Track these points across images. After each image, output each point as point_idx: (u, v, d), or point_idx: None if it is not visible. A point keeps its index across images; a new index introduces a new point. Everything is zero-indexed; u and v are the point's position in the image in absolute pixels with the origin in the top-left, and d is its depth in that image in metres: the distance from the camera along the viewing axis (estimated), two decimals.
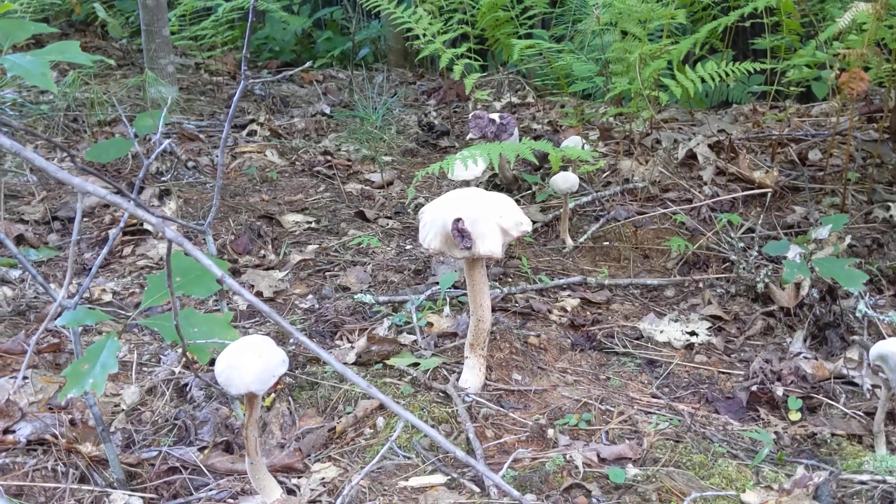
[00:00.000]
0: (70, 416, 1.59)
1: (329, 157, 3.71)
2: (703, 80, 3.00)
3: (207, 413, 1.64)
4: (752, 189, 2.64)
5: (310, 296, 2.39)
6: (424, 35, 3.56)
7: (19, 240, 2.79)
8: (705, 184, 2.74)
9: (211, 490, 1.46)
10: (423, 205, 3.06)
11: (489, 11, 4.09)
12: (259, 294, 2.35)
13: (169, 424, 1.65)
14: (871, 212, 2.52)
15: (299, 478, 1.49)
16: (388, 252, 2.64)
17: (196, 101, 4.85)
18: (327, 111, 4.56)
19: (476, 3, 4.35)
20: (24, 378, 1.73)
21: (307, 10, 7.34)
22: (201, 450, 1.55)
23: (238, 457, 1.53)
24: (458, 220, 1.62)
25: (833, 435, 1.68)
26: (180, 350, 1.94)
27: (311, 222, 2.96)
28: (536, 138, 3.31)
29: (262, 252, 2.69)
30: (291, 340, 2.05)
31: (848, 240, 2.28)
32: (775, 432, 1.69)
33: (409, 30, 3.72)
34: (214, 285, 1.40)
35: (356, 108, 4.66)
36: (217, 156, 3.77)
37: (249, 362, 1.25)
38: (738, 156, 2.80)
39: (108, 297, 2.32)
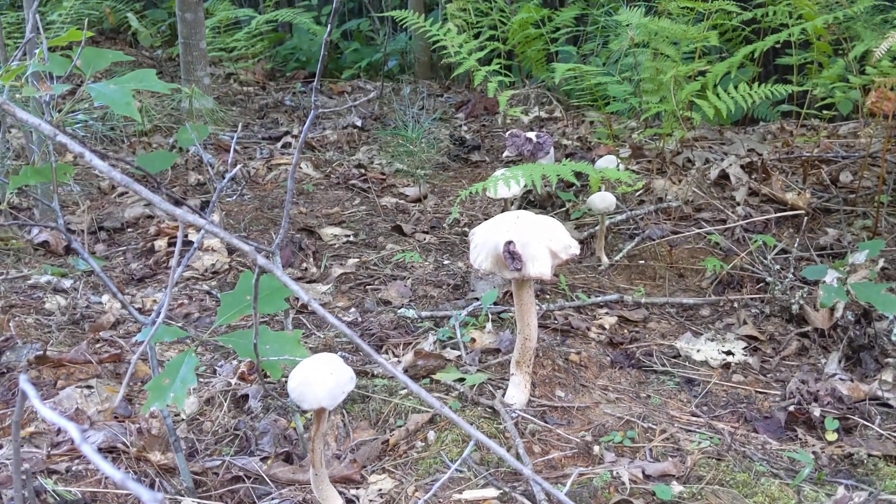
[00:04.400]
0: (137, 426, 1.66)
1: (363, 171, 3.79)
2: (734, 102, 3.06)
3: (267, 424, 1.71)
4: (785, 210, 2.69)
5: (352, 309, 2.46)
6: (458, 53, 3.63)
7: (67, 250, 2.88)
8: (738, 204, 2.80)
9: (273, 499, 1.53)
10: (459, 220, 3.13)
11: (520, 29, 4.17)
12: (304, 308, 2.43)
13: (230, 435, 1.72)
14: None
15: (357, 489, 1.56)
16: (426, 267, 2.71)
17: (229, 111, 4.95)
18: (359, 124, 4.64)
19: (506, 20, 4.43)
20: (90, 387, 1.80)
21: (335, 22, 7.42)
22: (263, 460, 1.62)
23: (298, 467, 1.60)
24: (510, 242, 1.68)
25: (869, 455, 1.73)
26: (236, 362, 2.01)
27: (349, 235, 3.03)
28: (568, 156, 3.38)
29: (304, 265, 2.77)
30: (339, 352, 2.12)
31: (881, 262, 2.33)
32: (813, 452, 1.75)
33: (437, 42, 3.80)
34: (283, 304, 1.46)
35: (387, 121, 4.75)
36: (253, 167, 3.86)
37: (322, 379, 1.32)
38: (770, 177, 2.86)
39: (153, 307, 2.40)
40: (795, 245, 2.50)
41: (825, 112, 3.23)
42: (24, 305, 2.38)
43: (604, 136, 3.46)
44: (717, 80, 2.88)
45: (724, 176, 2.99)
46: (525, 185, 2.50)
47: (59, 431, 1.68)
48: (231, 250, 2.86)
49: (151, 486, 1.52)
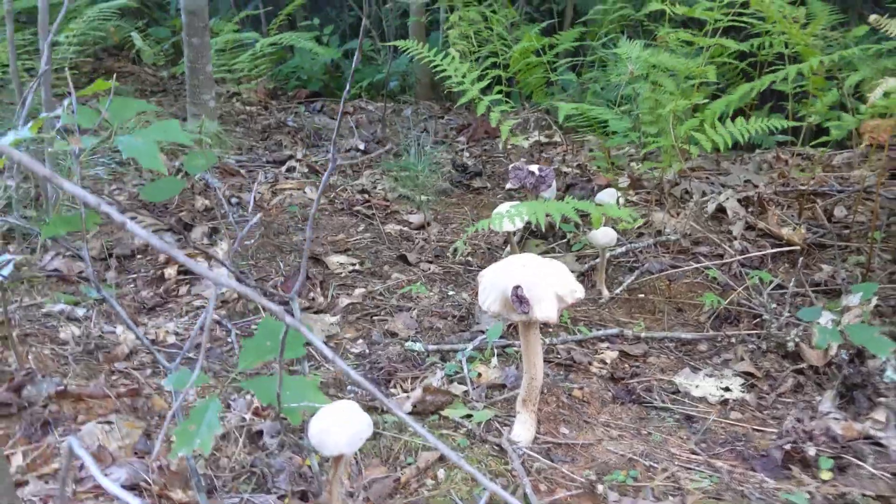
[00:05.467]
0: (158, 463, 1.72)
1: (367, 196, 3.85)
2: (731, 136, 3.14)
3: (282, 462, 1.77)
4: (781, 245, 2.77)
5: (360, 340, 2.52)
6: (461, 83, 3.71)
7: (80, 277, 2.93)
8: (735, 238, 2.87)
9: None
10: (459, 249, 3.19)
11: (521, 57, 4.25)
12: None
13: (246, 472, 1.78)
14: (895, 271, 2.63)
15: None
16: (431, 297, 2.77)
17: (232, 133, 5.01)
18: (362, 147, 4.71)
19: (507, 46, 4.51)
20: (110, 423, 1.86)
21: (336, 41, 7.51)
22: (280, 498, 1.68)
23: None
24: (518, 287, 1.75)
25: (863, 496, 1.79)
26: (249, 396, 2.07)
27: (354, 264, 3.09)
28: (569, 186, 3.45)
29: (311, 294, 2.83)
30: (349, 387, 2.18)
31: (874, 301, 2.40)
32: (808, 492, 1.81)
33: (441, 71, 3.87)
34: (301, 350, 1.53)
35: (388, 145, 4.81)
36: (256, 192, 3.92)
37: (341, 428, 1.38)
38: (766, 211, 2.93)
39: (171, 339, 2.46)
40: (792, 282, 2.58)
41: (821, 148, 3.31)
42: (39, 335, 2.43)
43: (603, 166, 3.53)
44: (715, 116, 2.94)
45: (721, 209, 3.06)
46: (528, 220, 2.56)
47: (81, 468, 1.74)
48: (240, 280, 2.91)
49: None
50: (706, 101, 3.29)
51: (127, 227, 1.13)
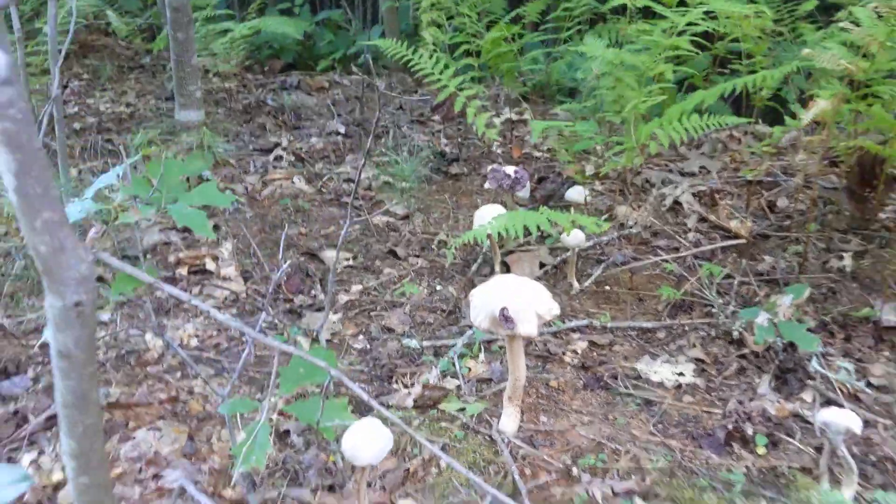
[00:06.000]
0: (208, 464, 2.05)
1: (353, 185, 4.13)
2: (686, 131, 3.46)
3: (310, 459, 2.11)
4: (730, 238, 3.13)
5: (360, 336, 2.85)
6: (439, 80, 3.97)
7: (99, 279, 3.20)
8: (689, 231, 3.22)
9: None
10: (445, 242, 3.50)
11: (493, 47, 4.50)
12: (316, 338, 2.80)
13: (279, 468, 2.11)
14: (828, 260, 3.01)
15: None
16: (421, 292, 3.10)
17: (215, 115, 5.21)
18: (342, 131, 4.96)
19: (479, 35, 4.75)
20: (159, 429, 2.18)
21: (307, 11, 7.64)
22: (312, 491, 2.02)
23: (342, 496, 2.01)
24: (504, 308, 2.08)
25: (790, 468, 2.18)
26: (273, 398, 2.39)
27: (348, 259, 3.40)
28: (541, 180, 3.77)
29: (313, 291, 3.14)
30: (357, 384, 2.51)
31: (808, 291, 2.77)
32: (746, 466, 2.20)
33: (419, 68, 4.12)
34: (325, 375, 1.85)
35: (368, 127, 5.06)
36: (251, 183, 4.18)
37: (369, 444, 1.72)
38: (717, 204, 3.28)
39: (194, 342, 2.76)
40: (738, 272, 2.94)
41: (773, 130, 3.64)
42: None
43: (565, 159, 3.83)
44: (674, 119, 3.25)
45: (678, 202, 3.41)
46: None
47: (140, 470, 2.06)
48: (246, 278, 3.21)
49: None
50: (664, 97, 3.59)
51: (192, 302, 1.43)
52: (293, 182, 4.19)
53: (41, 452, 2.17)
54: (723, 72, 4.58)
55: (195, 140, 4.55)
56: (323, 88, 6.18)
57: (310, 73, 6.69)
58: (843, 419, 1.91)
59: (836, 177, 3.46)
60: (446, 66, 4.04)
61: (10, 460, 2.17)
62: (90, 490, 1.48)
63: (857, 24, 2.47)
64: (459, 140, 4.80)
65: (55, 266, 1.24)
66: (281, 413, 2.31)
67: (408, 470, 2.13)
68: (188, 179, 4.21)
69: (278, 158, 4.50)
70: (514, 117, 5.10)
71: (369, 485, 2.07)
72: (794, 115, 3.57)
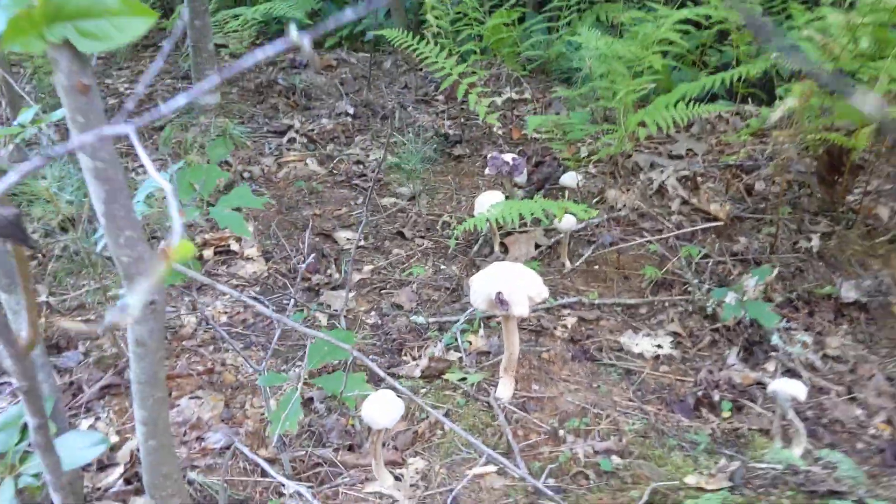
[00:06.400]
0: (244, 428, 2.37)
1: (362, 167, 4.42)
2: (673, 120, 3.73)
3: (332, 423, 2.43)
4: (709, 220, 3.42)
5: (372, 312, 3.16)
6: (444, 68, 4.23)
7: None
8: (673, 213, 3.51)
9: (345, 478, 2.27)
10: (449, 223, 3.79)
11: (494, 33, 4.75)
12: (335, 313, 3.11)
13: (306, 431, 2.44)
14: (797, 241, 3.30)
15: (401, 468, 2.30)
16: (427, 271, 3.40)
17: (229, 95, 5.48)
18: (351, 112, 5.22)
19: (481, 23, 4.99)
20: (199, 397, 2.50)
21: None
22: (335, 450, 2.35)
23: (360, 454, 2.33)
24: (500, 292, 2.38)
25: (749, 430, 2.50)
26: (297, 369, 2.72)
27: (360, 239, 3.69)
28: (538, 164, 4.04)
29: (328, 271, 3.44)
30: (371, 356, 2.83)
31: (776, 271, 3.07)
32: (711, 428, 2.52)
33: (426, 58, 4.38)
34: (347, 354, 2.16)
35: (375, 108, 5.32)
36: (266, 165, 4.46)
37: (384, 410, 2.04)
38: (699, 188, 3.56)
39: (224, 318, 3.08)
40: (714, 251, 3.24)
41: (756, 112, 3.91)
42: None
43: (559, 147, 4.09)
44: (663, 106, 3.51)
45: (663, 186, 3.69)
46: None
47: (185, 434, 2.39)
48: (267, 258, 3.52)
49: (262, 473, 2.24)
50: (653, 86, 3.85)
51: (241, 299, 1.74)
52: (306, 164, 4.47)
53: (97, 418, 2.50)
54: (707, 60, 4.83)
55: (212, 122, 4.83)
56: (331, 66, 6.41)
57: (318, 52, 6.92)
58: (789, 388, 2.22)
59: (812, 159, 3.73)
60: (451, 53, 4.30)
61: (70, 426, 2.50)
62: (157, 451, 1.80)
63: (822, 32, 2.74)
64: (462, 121, 5.06)
65: (135, 273, 1.54)
66: (306, 383, 2.63)
67: (416, 432, 2.46)
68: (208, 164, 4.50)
69: (291, 141, 4.77)
70: (515, 96, 5.35)
71: (384, 445, 2.39)
72: (780, 97, 3.84)
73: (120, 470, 2.22)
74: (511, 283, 2.39)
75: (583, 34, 4.01)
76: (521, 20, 4.95)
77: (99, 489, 2.17)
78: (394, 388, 2.18)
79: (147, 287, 1.58)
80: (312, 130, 4.91)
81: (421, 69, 6.39)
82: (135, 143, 0.85)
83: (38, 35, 1.30)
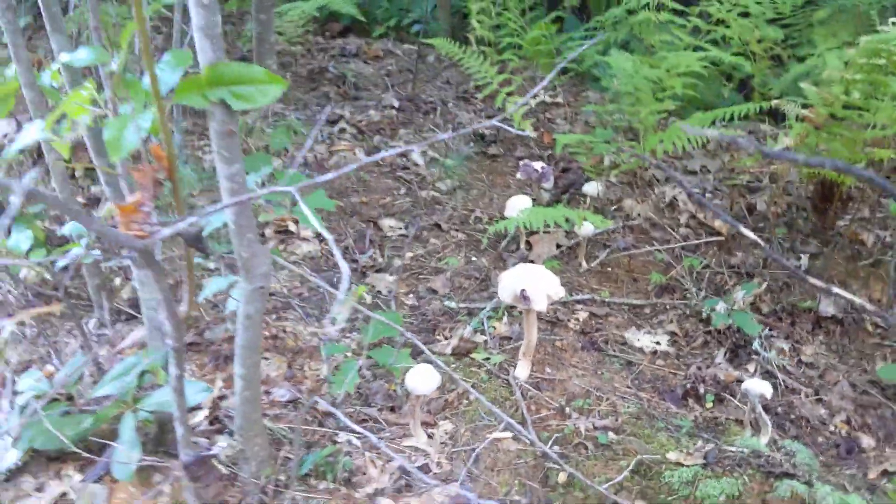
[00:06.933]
0: (304, 386, 2.87)
1: (405, 160, 4.88)
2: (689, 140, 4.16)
3: (377, 387, 2.92)
4: (713, 234, 3.86)
5: (411, 295, 3.64)
6: (484, 77, 4.67)
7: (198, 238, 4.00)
8: (681, 226, 3.95)
9: (386, 433, 2.76)
10: (480, 218, 4.26)
11: (532, 45, 5.18)
12: (379, 292, 3.59)
13: (354, 393, 2.93)
14: (788, 258, 3.74)
15: (433, 428, 2.79)
16: (460, 261, 3.87)
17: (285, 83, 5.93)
18: (396, 105, 5.67)
19: (523, 31, 5.42)
20: (266, 358, 3.00)
21: None
22: (379, 410, 2.84)
23: (399, 415, 2.82)
24: (524, 289, 2.85)
25: (727, 419, 2.96)
26: (347, 341, 3.20)
27: (401, 227, 4.17)
28: (564, 170, 4.49)
29: (373, 255, 3.92)
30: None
31: (765, 285, 3.51)
32: (694, 416, 2.98)
33: (473, 71, 4.83)
34: (394, 332, 2.64)
35: (419, 102, 5.76)
36: (319, 152, 4.93)
37: (425, 379, 2.52)
38: (705, 205, 4.00)
39: (284, 291, 3.57)
40: (715, 264, 3.68)
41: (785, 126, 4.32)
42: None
43: (584, 159, 4.52)
44: (696, 125, 3.94)
45: (675, 199, 4.13)
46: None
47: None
48: (322, 239, 4.00)
49: (320, 424, 2.74)
50: (675, 107, 4.28)
51: (325, 289, 2.22)
52: (354, 153, 4.94)
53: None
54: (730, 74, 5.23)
55: (269, 107, 5.30)
56: (378, 57, 6.86)
57: (366, 40, 7.35)
58: (758, 387, 2.68)
59: (808, 185, 4.15)
60: (492, 62, 4.73)
61: None
62: (249, 401, 2.30)
63: (817, 84, 3.16)
64: (499, 119, 5.49)
65: (251, 266, 2.03)
66: (354, 352, 3.13)
67: (447, 400, 2.94)
68: (266, 149, 4.98)
69: (342, 130, 5.24)
70: (548, 100, 5.78)
71: (420, 409, 2.88)
72: (796, 117, 4.25)
73: (205, 413, 2.72)
74: (533, 283, 2.86)
75: (613, 55, 4.43)
76: (560, 32, 5.37)
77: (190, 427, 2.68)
78: (431, 363, 2.67)
79: (259, 276, 2.08)
80: (361, 121, 5.37)
81: (461, 65, 6.83)
82: (299, 201, 1.33)
83: (202, 95, 1.79)
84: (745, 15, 4.67)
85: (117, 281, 3.44)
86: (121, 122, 1.74)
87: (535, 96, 5.86)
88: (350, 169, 1.54)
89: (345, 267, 1.16)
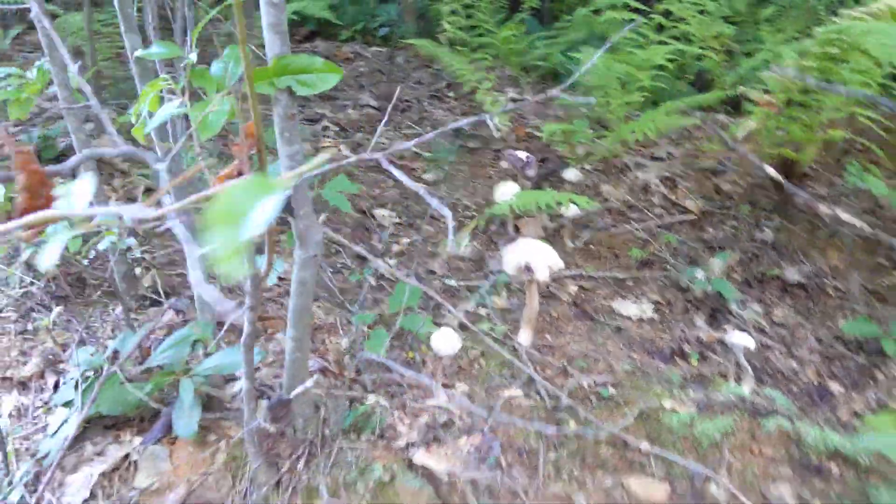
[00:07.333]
0: (330, 356, 3.10)
1: (389, 154, 5.12)
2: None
3: (396, 355, 3.17)
4: (685, 213, 4.20)
5: (412, 278, 3.88)
6: (463, 74, 4.95)
7: None
8: (655, 206, 4.29)
9: (406, 395, 3.01)
10: (469, 206, 4.53)
11: (504, 44, 5.48)
12: (382, 276, 3.84)
13: (376, 362, 3.17)
14: (754, 233, 4.10)
15: (450, 389, 3.05)
16: (453, 246, 4.13)
17: None
18: (374, 104, 5.92)
19: (493, 31, 5.71)
20: None
21: None
22: (400, 375, 3.09)
23: (418, 380, 3.07)
24: (528, 262, 3.13)
25: (711, 373, 3.28)
26: (369, 312, 3.44)
27: (394, 216, 4.42)
28: (543, 160, 4.79)
29: (372, 241, 4.16)
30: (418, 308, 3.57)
31: (738, 257, 3.86)
32: (682, 372, 3.29)
33: (448, 65, 5.10)
34: (417, 301, 2.90)
35: (395, 102, 6.01)
36: (306, 149, 5.14)
37: (449, 342, 2.78)
38: (676, 187, 4.34)
39: None
40: (689, 239, 4.02)
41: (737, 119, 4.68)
42: None
43: (564, 147, 4.84)
44: (651, 120, 4.28)
45: (648, 183, 4.46)
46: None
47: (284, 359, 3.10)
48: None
49: (349, 388, 2.97)
50: (643, 99, 4.62)
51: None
52: (339, 150, 5.17)
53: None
54: (687, 69, 5.61)
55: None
56: (349, 59, 7.09)
57: (335, 43, 7.58)
58: (742, 340, 3.01)
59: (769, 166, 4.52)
60: (468, 62, 5.02)
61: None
62: (299, 361, 2.52)
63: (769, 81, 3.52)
64: (473, 114, 5.78)
65: (307, 237, 2.26)
66: (370, 326, 3.36)
67: (459, 366, 3.20)
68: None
69: (325, 128, 5.46)
70: (516, 96, 6.09)
71: (433, 373, 3.13)
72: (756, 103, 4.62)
73: (241, 383, 2.93)
74: (535, 255, 3.14)
75: (583, 51, 4.76)
76: (528, 33, 5.68)
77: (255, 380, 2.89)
78: (451, 328, 2.93)
79: (313, 245, 2.31)
80: (342, 120, 5.60)
81: (430, 66, 7.10)
82: (386, 165, 1.58)
83: (270, 83, 2.03)
84: (703, 12, 5.05)
85: (138, 270, 3.62)
86: (203, 107, 1.96)
87: (503, 92, 6.17)
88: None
89: (448, 214, 1.42)
